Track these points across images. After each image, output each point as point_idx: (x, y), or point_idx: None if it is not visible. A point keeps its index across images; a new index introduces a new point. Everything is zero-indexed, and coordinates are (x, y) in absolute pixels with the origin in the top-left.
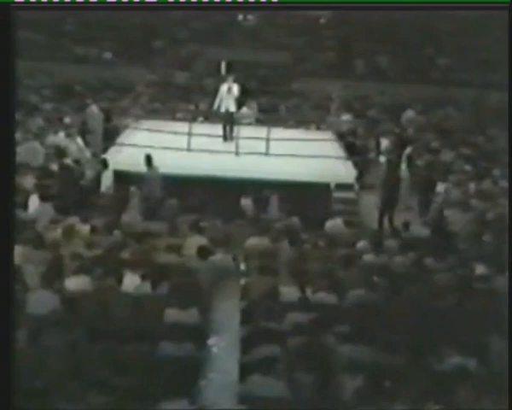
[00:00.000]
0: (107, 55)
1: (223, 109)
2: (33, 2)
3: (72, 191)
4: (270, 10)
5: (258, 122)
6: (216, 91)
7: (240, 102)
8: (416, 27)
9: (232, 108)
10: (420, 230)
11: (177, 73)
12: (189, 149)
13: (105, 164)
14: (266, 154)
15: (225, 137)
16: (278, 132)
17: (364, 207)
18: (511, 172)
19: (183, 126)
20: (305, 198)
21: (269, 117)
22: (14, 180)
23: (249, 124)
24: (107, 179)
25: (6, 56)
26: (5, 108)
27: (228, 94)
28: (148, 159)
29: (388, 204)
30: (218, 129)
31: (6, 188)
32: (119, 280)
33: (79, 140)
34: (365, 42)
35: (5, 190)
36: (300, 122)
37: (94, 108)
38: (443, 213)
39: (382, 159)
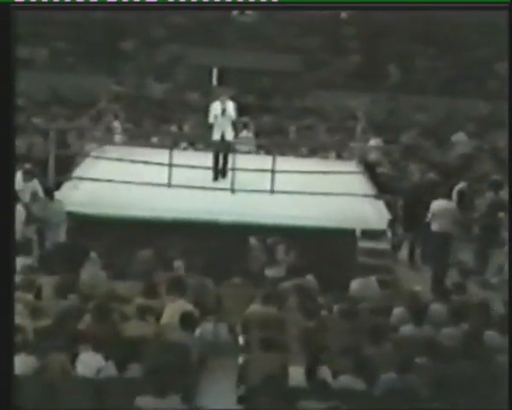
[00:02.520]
0: (62, 59)
1: (216, 136)
2: (33, 2)
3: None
4: (270, 10)
5: (261, 149)
6: (204, 108)
7: (234, 123)
8: (467, 23)
9: (229, 136)
10: (476, 292)
11: (152, 83)
12: (169, 185)
13: (56, 204)
14: (271, 191)
15: (217, 176)
16: (286, 163)
17: (401, 261)
18: (511, 173)
19: (161, 154)
20: (323, 250)
21: (274, 142)
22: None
23: (248, 152)
24: (58, 225)
25: (6, 56)
26: (5, 108)
27: (223, 117)
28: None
29: (435, 257)
30: (207, 158)
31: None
32: (74, 360)
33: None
34: (399, 42)
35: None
36: (315, 149)
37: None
38: (507, 270)
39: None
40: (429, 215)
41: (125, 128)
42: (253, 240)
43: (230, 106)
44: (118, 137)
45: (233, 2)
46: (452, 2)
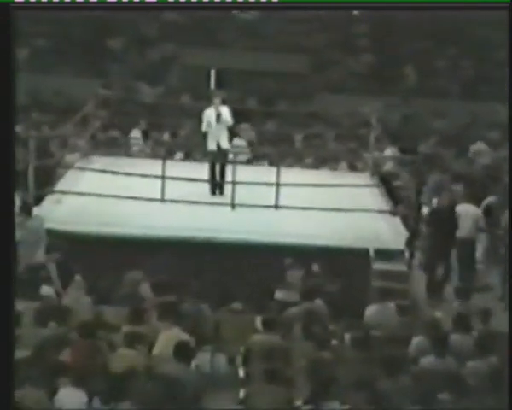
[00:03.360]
0: (43, 58)
1: (211, 146)
2: (33, 2)
3: None
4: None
5: (264, 160)
6: (201, 114)
7: (232, 131)
8: (489, 22)
9: (226, 144)
10: (505, 320)
11: (142, 86)
12: (162, 200)
13: (34, 220)
14: (275, 206)
15: (214, 189)
16: (292, 175)
17: (420, 284)
18: (511, 173)
19: (153, 166)
20: (333, 271)
21: (278, 152)
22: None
23: (250, 163)
24: (36, 244)
25: (6, 56)
26: (5, 108)
27: (218, 124)
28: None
29: (459, 268)
30: (204, 169)
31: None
32: (53, 395)
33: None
34: (417, 41)
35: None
36: (324, 160)
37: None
38: None
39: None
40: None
41: (112, 136)
42: (255, 260)
43: (225, 111)
44: (136, 149)
45: (233, 2)
46: (452, 2)
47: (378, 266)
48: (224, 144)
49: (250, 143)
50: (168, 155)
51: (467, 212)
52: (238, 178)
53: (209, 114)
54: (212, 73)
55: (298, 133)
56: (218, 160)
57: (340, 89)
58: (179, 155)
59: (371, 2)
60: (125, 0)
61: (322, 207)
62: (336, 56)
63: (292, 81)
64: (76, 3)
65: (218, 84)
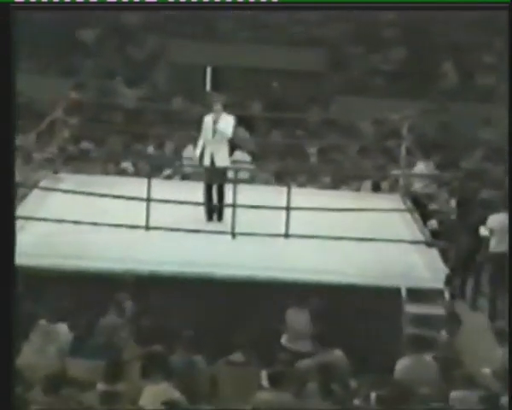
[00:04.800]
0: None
1: (206, 161)
2: (33, 2)
3: None
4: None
5: (271, 178)
6: (193, 121)
7: (233, 143)
8: None
9: (221, 161)
10: None
11: (122, 87)
12: (147, 227)
13: None
14: (285, 235)
15: (211, 214)
16: (305, 197)
17: (466, 332)
18: (511, 174)
19: (136, 186)
20: (356, 315)
21: (288, 169)
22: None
23: (254, 182)
24: None
25: (6, 56)
26: (5, 108)
27: (214, 136)
28: None
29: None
30: (198, 190)
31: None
32: None
33: None
34: (457, 33)
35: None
36: (344, 178)
37: None
38: None
39: (497, 245)
40: (485, 232)
41: (85, 148)
42: (260, 301)
43: (226, 120)
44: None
45: (233, 2)
46: (452, 2)
47: (411, 308)
48: (221, 161)
49: (253, 157)
50: (154, 171)
51: (503, 222)
52: (240, 201)
53: (208, 121)
54: (208, 71)
55: (312, 145)
56: (213, 180)
57: (363, 91)
58: (167, 172)
59: (370, 2)
60: (125, 0)
61: (343, 236)
62: (359, 51)
63: (304, 81)
64: (76, 3)
65: (215, 84)
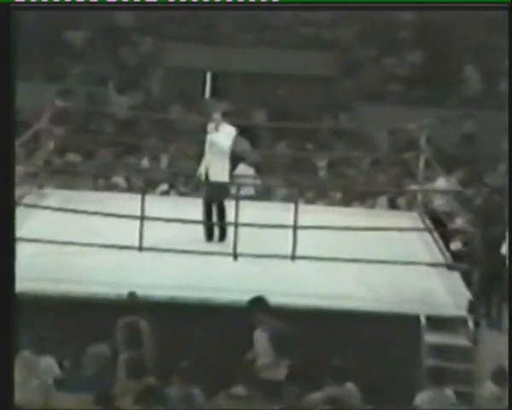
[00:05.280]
0: None
1: (202, 175)
2: (33, 2)
3: None
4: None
5: (277, 194)
6: (191, 131)
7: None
8: None
9: (216, 175)
10: None
11: (113, 94)
12: (140, 248)
13: None
14: (292, 257)
15: (210, 234)
16: (314, 214)
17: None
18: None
19: (128, 202)
20: (369, 345)
21: (295, 183)
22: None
23: (255, 197)
24: None
25: (6, 57)
26: (5, 108)
27: (210, 146)
28: None
29: None
30: (197, 207)
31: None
32: None
33: None
34: (480, 33)
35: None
36: (357, 193)
37: None
38: None
39: None
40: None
41: (71, 161)
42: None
43: (225, 130)
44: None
45: (233, 2)
46: (452, 1)
47: (431, 338)
48: (215, 175)
49: (257, 171)
50: (148, 187)
51: None
52: (242, 219)
53: (210, 130)
54: (208, 76)
55: (321, 158)
56: (211, 196)
57: (377, 98)
58: (163, 187)
59: (370, 2)
60: (125, 0)
61: (355, 258)
62: (372, 54)
63: (313, 88)
64: (76, 3)
65: (215, 91)
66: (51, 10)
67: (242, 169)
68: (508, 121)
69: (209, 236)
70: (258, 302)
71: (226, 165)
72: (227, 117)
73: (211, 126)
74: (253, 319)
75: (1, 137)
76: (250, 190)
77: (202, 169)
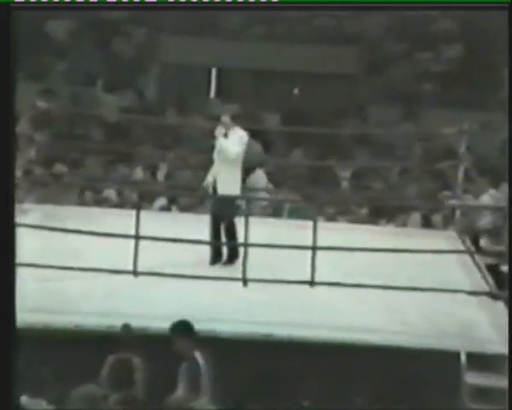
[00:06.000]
0: None
1: (209, 187)
2: (33, 2)
3: None
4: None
5: (293, 209)
6: (194, 137)
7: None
8: None
9: (226, 187)
10: None
11: (102, 95)
12: (135, 272)
13: None
14: (311, 283)
15: (217, 256)
16: (335, 233)
17: None
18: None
19: (121, 219)
20: (401, 385)
21: (313, 197)
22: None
23: (272, 214)
24: None
25: (6, 57)
26: (5, 109)
27: (218, 152)
28: None
29: None
30: (200, 224)
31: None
32: None
33: None
34: None
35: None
36: (383, 209)
37: None
38: None
39: None
40: None
41: (57, 173)
42: (277, 366)
43: (236, 135)
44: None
45: (233, 2)
46: (451, 1)
47: (472, 378)
48: (224, 187)
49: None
50: (144, 201)
51: None
52: (253, 239)
53: (219, 136)
54: (213, 74)
55: (344, 168)
56: (218, 211)
57: (408, 99)
58: (161, 201)
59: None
60: (124, 0)
61: (383, 284)
62: (401, 49)
63: (334, 87)
64: (76, 3)
65: (221, 91)
66: (51, 10)
67: (259, 175)
68: (508, 123)
69: (216, 258)
70: (181, 328)
71: (237, 176)
72: (236, 120)
73: (219, 131)
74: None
75: (1, 134)
76: (261, 205)
77: (209, 179)
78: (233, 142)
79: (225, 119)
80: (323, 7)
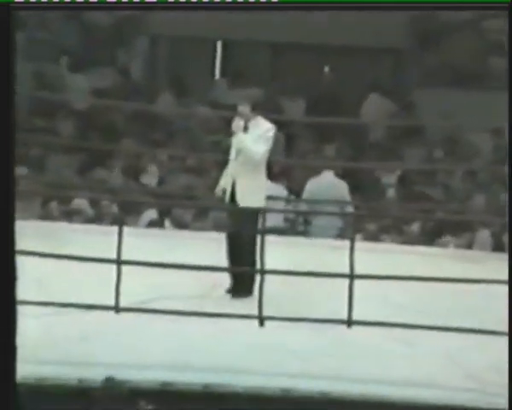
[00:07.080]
0: None
1: (226, 196)
2: (33, 2)
3: None
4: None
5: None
6: (197, 132)
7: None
8: None
9: (250, 195)
10: None
11: (77, 77)
12: (116, 308)
13: None
14: (348, 322)
15: (237, 286)
16: (377, 256)
17: None
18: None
19: (98, 237)
20: None
21: (350, 208)
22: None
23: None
24: None
25: (6, 57)
26: (4, 109)
27: (237, 151)
28: None
29: None
30: (203, 244)
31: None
32: None
33: None
34: None
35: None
36: (442, 224)
37: None
38: None
39: None
40: None
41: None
42: None
43: (261, 129)
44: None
45: (233, 2)
46: (451, 1)
47: None
48: (246, 197)
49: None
50: (129, 214)
51: None
52: (271, 264)
53: (236, 127)
54: (218, 48)
55: (389, 171)
56: (235, 227)
57: (471, 81)
58: (151, 213)
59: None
60: (125, 0)
61: (441, 325)
62: (463, 16)
63: (376, 66)
64: (76, 3)
65: (229, 70)
66: (51, 10)
67: (272, 187)
68: (508, 119)
69: (237, 287)
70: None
71: (261, 181)
72: (257, 110)
73: (237, 125)
74: None
75: (1, 135)
76: (279, 220)
77: (224, 184)
78: (256, 138)
79: (244, 108)
80: (324, 7)
